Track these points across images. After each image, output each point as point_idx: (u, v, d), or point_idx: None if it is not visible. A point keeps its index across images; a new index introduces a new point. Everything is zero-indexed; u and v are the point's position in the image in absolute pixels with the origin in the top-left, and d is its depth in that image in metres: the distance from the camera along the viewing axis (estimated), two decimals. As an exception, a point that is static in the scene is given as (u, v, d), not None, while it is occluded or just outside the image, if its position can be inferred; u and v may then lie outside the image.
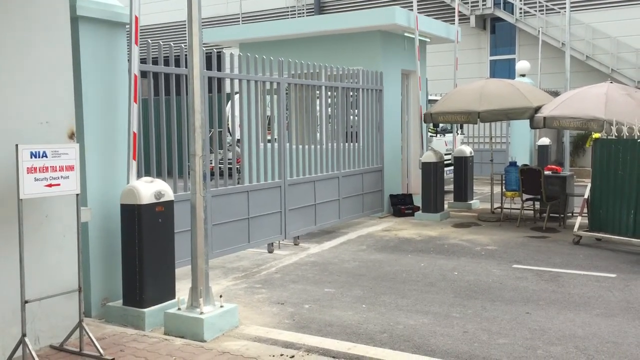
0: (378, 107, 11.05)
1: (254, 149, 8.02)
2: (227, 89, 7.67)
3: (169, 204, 5.58)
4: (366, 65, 10.91)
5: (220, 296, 5.45)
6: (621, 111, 8.60)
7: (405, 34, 11.84)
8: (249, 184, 7.83)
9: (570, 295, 6.27)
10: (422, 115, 11.28)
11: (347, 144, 10.11)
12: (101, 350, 4.55)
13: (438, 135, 14.80)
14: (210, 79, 7.14)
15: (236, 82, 7.67)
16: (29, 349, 4.31)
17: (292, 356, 4.68)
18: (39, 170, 4.37)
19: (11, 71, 4.56)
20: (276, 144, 8.46)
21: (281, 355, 4.71)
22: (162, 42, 6.51)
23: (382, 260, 7.88)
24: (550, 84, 18.37)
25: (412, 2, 12.16)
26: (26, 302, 4.38)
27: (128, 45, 5.93)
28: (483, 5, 20.52)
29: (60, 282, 4.82)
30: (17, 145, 4.27)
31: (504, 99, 10.04)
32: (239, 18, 24.38)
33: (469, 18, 20.60)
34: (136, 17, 5.84)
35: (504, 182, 10.80)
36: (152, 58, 6.34)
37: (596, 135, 8.95)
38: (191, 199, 5.24)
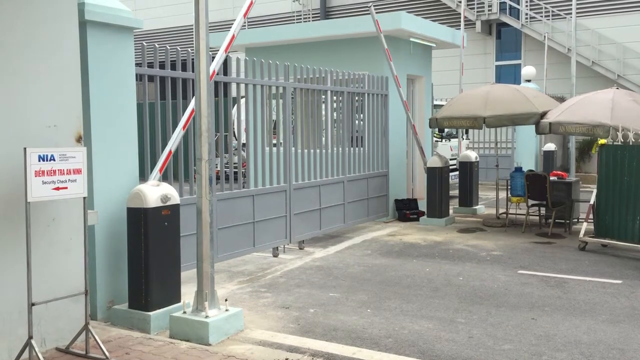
0: (383, 111, 11.06)
1: (260, 153, 8.05)
2: (233, 93, 7.68)
3: (175, 208, 5.60)
4: (372, 70, 10.92)
5: (226, 300, 5.46)
6: (627, 117, 8.58)
7: (411, 39, 11.86)
8: (254, 188, 7.84)
9: (576, 302, 6.26)
10: (415, 129, 11.23)
11: (352, 149, 10.12)
12: (107, 353, 4.56)
13: (443, 140, 14.79)
14: (216, 83, 7.17)
15: (242, 86, 7.70)
16: (35, 351, 4.33)
17: (297, 360, 4.69)
18: (47, 173, 4.40)
19: (19, 75, 4.59)
20: (281, 148, 8.48)
21: (286, 359, 4.72)
22: (169, 46, 6.54)
23: (387, 265, 7.88)
24: (556, 89, 18.35)
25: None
26: (33, 304, 4.40)
27: (136, 49, 5.97)
28: (489, 10, 20.54)
29: (66, 285, 4.84)
30: (25, 149, 4.30)
31: (509, 104, 10.04)
32: (245, 23, 24.46)
33: (474, 23, 20.62)
34: (214, 71, 6.34)
35: (509, 187, 10.79)
36: (159, 62, 6.38)
37: (602, 141, 8.94)
38: (197, 202, 5.26)
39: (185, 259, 6.04)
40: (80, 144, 4.98)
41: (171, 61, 6.53)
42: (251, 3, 7.00)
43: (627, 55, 18.64)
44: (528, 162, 15.49)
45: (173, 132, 6.61)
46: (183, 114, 6.65)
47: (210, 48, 5.67)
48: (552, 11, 19.61)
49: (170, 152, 6.07)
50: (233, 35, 6.85)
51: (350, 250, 8.83)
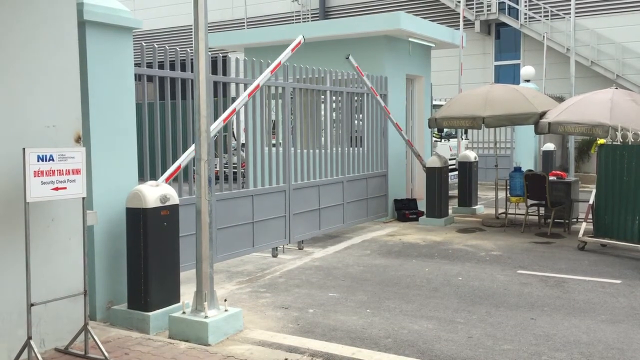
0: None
1: (259, 153, 8.04)
2: (233, 93, 7.68)
3: (174, 208, 5.60)
4: (371, 70, 10.92)
5: (225, 300, 5.46)
6: (626, 117, 8.59)
7: (410, 39, 11.86)
8: (254, 188, 7.84)
9: (575, 301, 6.26)
10: (410, 142, 11.20)
11: (351, 149, 10.12)
12: (106, 354, 4.56)
13: (443, 140, 14.80)
14: (215, 83, 7.18)
15: (241, 86, 7.70)
16: (34, 352, 4.32)
17: (297, 360, 4.69)
18: (46, 173, 4.40)
19: (18, 75, 4.59)
20: (281, 149, 8.47)
21: (285, 359, 4.71)
22: (168, 46, 6.54)
23: (386, 265, 7.88)
24: (555, 89, 18.36)
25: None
26: (32, 305, 4.39)
27: (135, 49, 5.97)
28: (488, 10, 20.54)
29: (65, 285, 4.83)
30: (24, 149, 4.30)
31: (508, 104, 10.04)
32: (244, 23, 24.46)
33: (473, 23, 20.62)
34: (230, 108, 6.86)
35: (508, 187, 10.79)
36: (158, 62, 6.38)
37: (601, 141, 8.95)
38: (196, 203, 5.25)
39: (184, 259, 6.04)
40: (79, 144, 4.98)
41: (170, 61, 6.53)
42: (279, 64, 7.51)
43: (626, 55, 18.66)
44: (527, 162, 15.50)
45: (173, 132, 6.62)
46: (183, 115, 6.66)
47: (210, 48, 5.68)
48: (551, 11, 19.62)
49: (179, 166, 6.18)
50: (258, 85, 7.39)
51: (349, 251, 8.83)
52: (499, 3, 20.43)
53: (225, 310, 5.28)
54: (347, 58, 9.49)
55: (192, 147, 6.32)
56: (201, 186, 5.20)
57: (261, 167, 8.02)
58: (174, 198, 5.61)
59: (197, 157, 5.26)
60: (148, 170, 6.23)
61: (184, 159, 6.23)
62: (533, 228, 10.39)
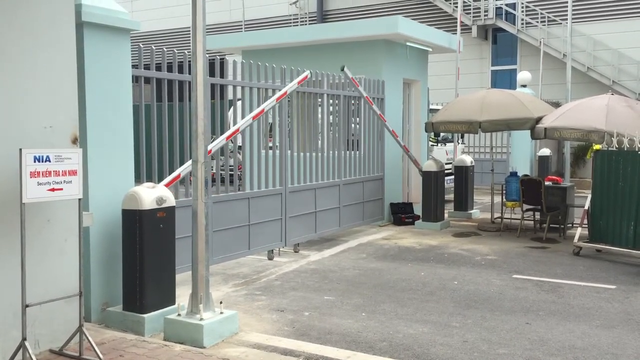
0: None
1: (255, 156, 8.04)
2: (230, 96, 7.69)
3: (171, 210, 5.59)
4: (368, 73, 10.94)
5: (221, 302, 5.45)
6: (622, 123, 8.62)
7: (407, 43, 11.89)
8: (250, 191, 7.84)
9: (570, 306, 6.27)
10: (406, 148, 11.20)
11: (348, 152, 10.13)
12: (101, 355, 4.55)
13: (439, 144, 14.82)
14: (213, 85, 7.18)
15: (239, 89, 7.70)
16: (29, 353, 4.31)
17: (292, 363, 4.68)
18: (42, 174, 4.39)
19: (16, 75, 4.58)
20: (277, 151, 8.48)
21: (281, 362, 4.72)
22: (166, 48, 6.54)
23: (382, 269, 7.88)
24: (551, 94, 18.41)
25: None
26: (27, 306, 4.38)
27: (133, 50, 5.96)
28: (485, 15, 20.61)
29: (60, 287, 4.82)
30: (20, 150, 4.29)
31: (505, 109, 10.07)
32: (242, 25, 24.48)
33: (470, 28, 20.67)
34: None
35: (504, 192, 10.81)
36: (156, 64, 6.38)
37: (597, 146, 8.97)
38: (193, 205, 5.25)
39: (180, 261, 6.02)
40: (76, 145, 4.97)
41: (168, 63, 6.53)
42: (285, 93, 7.68)
43: (622, 61, 18.72)
44: (523, 167, 15.52)
45: (170, 134, 6.62)
46: (181, 117, 6.66)
47: (207, 51, 5.67)
48: (548, 17, 19.69)
49: (179, 175, 6.21)
50: (263, 109, 7.61)
51: (345, 254, 8.83)
52: (496, 8, 20.50)
53: (221, 313, 5.27)
54: (343, 70, 9.48)
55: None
56: (198, 188, 5.20)
57: (257, 169, 8.02)
58: (170, 200, 5.60)
59: (193, 159, 5.25)
60: (144, 172, 6.22)
61: (183, 169, 6.29)
62: (529, 233, 10.41)
